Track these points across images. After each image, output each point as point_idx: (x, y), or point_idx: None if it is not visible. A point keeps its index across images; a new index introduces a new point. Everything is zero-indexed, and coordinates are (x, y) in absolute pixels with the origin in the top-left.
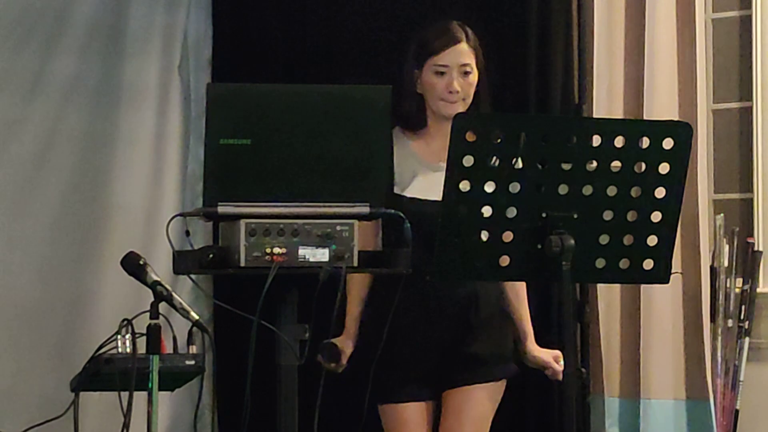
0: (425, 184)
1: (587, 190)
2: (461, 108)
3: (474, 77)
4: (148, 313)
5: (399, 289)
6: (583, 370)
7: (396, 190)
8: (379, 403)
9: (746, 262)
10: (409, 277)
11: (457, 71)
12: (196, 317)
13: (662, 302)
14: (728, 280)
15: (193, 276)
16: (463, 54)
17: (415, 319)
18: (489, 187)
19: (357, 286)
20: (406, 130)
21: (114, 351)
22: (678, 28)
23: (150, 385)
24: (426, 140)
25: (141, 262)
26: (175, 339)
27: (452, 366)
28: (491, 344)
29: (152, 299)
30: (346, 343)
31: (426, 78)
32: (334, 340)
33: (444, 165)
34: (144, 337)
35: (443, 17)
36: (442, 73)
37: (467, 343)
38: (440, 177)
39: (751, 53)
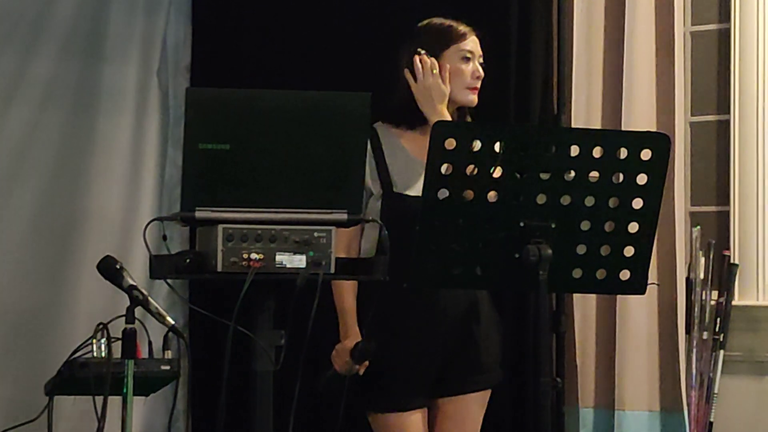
0: None
1: (565, 200)
2: (476, 99)
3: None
4: (123, 318)
5: (376, 297)
6: (558, 380)
7: (396, 190)
8: (374, 411)
9: (722, 274)
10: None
11: (477, 60)
12: (172, 322)
13: (638, 314)
14: (704, 292)
15: (169, 281)
16: (479, 45)
17: (415, 324)
18: (467, 196)
19: (349, 292)
20: (399, 126)
21: (89, 355)
22: (657, 41)
23: (125, 389)
24: (419, 135)
25: (117, 267)
26: (150, 344)
27: (451, 374)
28: (489, 353)
29: (128, 304)
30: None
31: (450, 65)
32: (344, 344)
33: None
34: (119, 342)
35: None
36: (469, 59)
37: (468, 352)
38: None
39: (729, 66)
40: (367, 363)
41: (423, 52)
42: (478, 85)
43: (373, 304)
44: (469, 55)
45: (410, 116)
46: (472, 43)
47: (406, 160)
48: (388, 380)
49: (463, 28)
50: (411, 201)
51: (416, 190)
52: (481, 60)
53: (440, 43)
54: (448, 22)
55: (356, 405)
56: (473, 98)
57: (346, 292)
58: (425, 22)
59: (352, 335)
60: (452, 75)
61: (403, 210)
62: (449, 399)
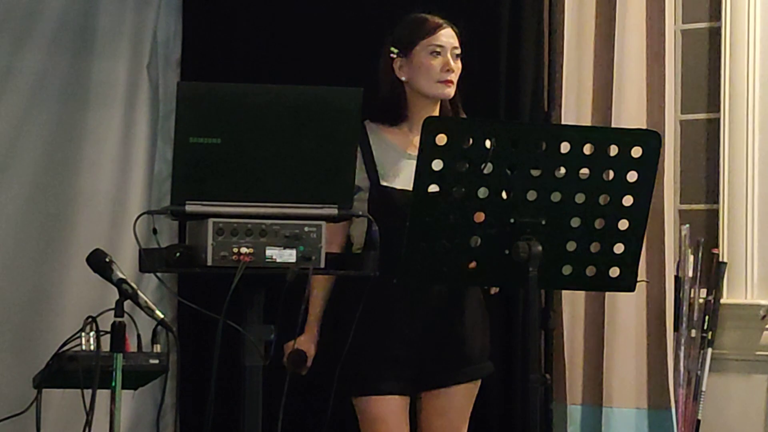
0: (411, 176)
1: (555, 196)
2: (453, 90)
3: (460, 62)
4: (112, 311)
5: (366, 291)
6: (547, 376)
7: (383, 182)
8: (357, 395)
9: (710, 272)
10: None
11: (451, 52)
12: (161, 316)
13: (626, 311)
14: (692, 290)
15: (159, 274)
16: (454, 37)
17: (399, 313)
18: (458, 192)
19: (319, 286)
20: (383, 122)
21: (78, 348)
22: (647, 39)
23: (113, 383)
24: (404, 131)
25: (107, 260)
26: (139, 337)
27: (435, 366)
28: (476, 344)
29: (117, 297)
30: (308, 346)
31: (419, 60)
32: (297, 344)
33: None
34: (108, 335)
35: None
36: (438, 53)
37: (452, 344)
38: None
39: (719, 65)
40: (307, 366)
41: (395, 50)
42: (451, 77)
43: (362, 299)
44: (438, 50)
45: (392, 113)
46: (443, 37)
47: (393, 153)
48: (366, 364)
49: (434, 21)
50: (397, 194)
51: (403, 182)
52: (458, 52)
53: (411, 39)
54: (421, 16)
55: (341, 391)
56: (448, 91)
57: (314, 287)
58: (402, 18)
59: (306, 335)
60: (422, 70)
61: (389, 202)
62: (435, 392)
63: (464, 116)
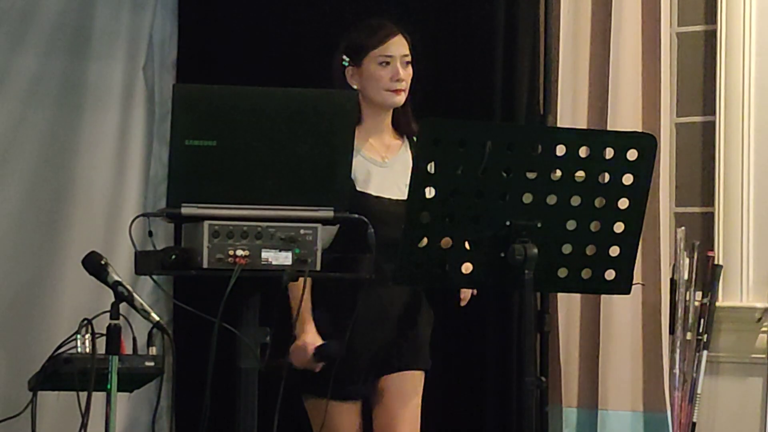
0: (383, 182)
1: (551, 199)
2: (404, 99)
3: (410, 69)
4: (108, 314)
5: (361, 294)
6: (543, 379)
7: (359, 188)
8: (317, 396)
9: (706, 275)
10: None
11: (399, 61)
12: (157, 318)
13: (622, 314)
14: (688, 293)
15: (154, 277)
16: (403, 45)
17: (365, 320)
18: (453, 194)
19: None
20: None
21: (73, 351)
22: (643, 42)
23: (109, 385)
24: (364, 137)
25: (102, 262)
26: (135, 340)
27: (391, 354)
28: (423, 332)
29: (113, 299)
30: (318, 338)
31: (369, 71)
32: (307, 339)
33: (389, 162)
34: (104, 338)
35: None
36: (387, 63)
37: (407, 337)
38: (391, 174)
39: (714, 68)
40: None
41: (347, 59)
42: (400, 86)
43: (357, 302)
44: (388, 59)
45: None
46: (392, 47)
47: (362, 160)
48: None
49: (384, 31)
50: (374, 201)
51: (377, 189)
52: (407, 59)
53: (361, 49)
54: (372, 24)
55: (294, 386)
56: (397, 99)
57: (304, 288)
58: (355, 25)
59: (309, 331)
60: (372, 80)
61: (366, 209)
62: (391, 376)
63: (413, 124)
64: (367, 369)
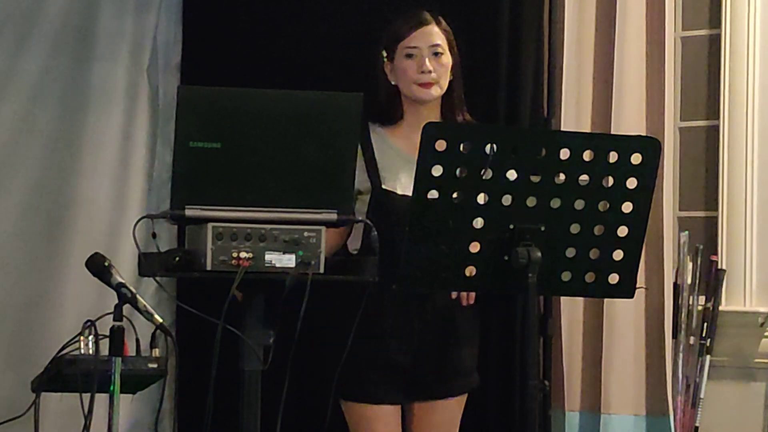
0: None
1: (555, 203)
2: (437, 92)
3: (447, 59)
4: (111, 315)
5: (365, 297)
6: (546, 382)
7: (385, 186)
8: (348, 399)
9: (709, 280)
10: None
11: (427, 52)
12: (160, 320)
13: (625, 318)
14: (691, 297)
15: (158, 279)
16: (433, 35)
17: (393, 319)
18: (457, 198)
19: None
20: (384, 125)
21: (76, 352)
22: (647, 46)
23: (112, 387)
24: (404, 133)
25: (106, 264)
26: (138, 342)
27: (426, 378)
28: (467, 357)
29: (116, 301)
30: None
31: (398, 64)
32: None
33: None
34: (107, 339)
35: None
36: (413, 55)
37: (442, 356)
38: None
39: (719, 72)
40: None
41: (384, 54)
42: (427, 79)
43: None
44: (413, 51)
45: (388, 115)
46: (418, 37)
47: (394, 156)
48: (364, 371)
49: (410, 23)
50: (398, 199)
51: (404, 187)
52: (437, 50)
53: (391, 44)
54: (404, 16)
55: (331, 391)
56: (426, 92)
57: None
58: (389, 23)
59: None
60: (400, 73)
61: (389, 207)
62: (427, 404)
63: (467, 117)
64: (396, 376)
